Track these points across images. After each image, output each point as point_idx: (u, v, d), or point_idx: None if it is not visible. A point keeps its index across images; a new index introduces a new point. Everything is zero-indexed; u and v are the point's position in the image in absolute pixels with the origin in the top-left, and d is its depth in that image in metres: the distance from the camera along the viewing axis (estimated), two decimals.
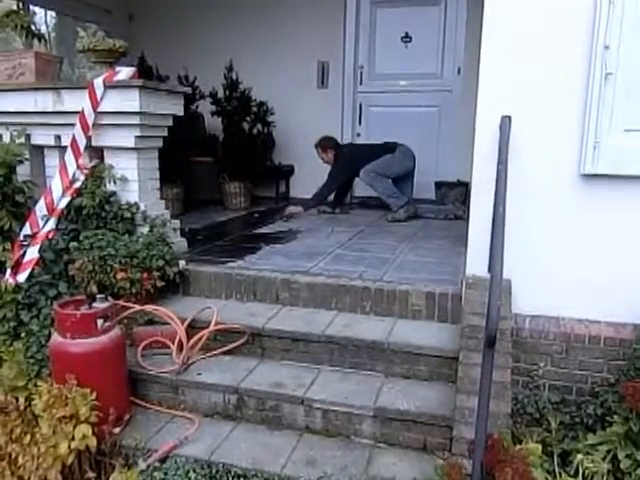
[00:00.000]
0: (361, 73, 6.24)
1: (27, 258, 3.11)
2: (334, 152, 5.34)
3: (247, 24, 6.19)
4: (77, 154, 3.27)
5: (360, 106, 6.29)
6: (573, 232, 2.70)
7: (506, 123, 2.55)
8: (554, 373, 2.73)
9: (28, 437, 2.24)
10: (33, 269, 3.07)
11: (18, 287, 3.02)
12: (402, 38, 6.00)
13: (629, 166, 2.53)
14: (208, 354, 2.88)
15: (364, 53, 6.20)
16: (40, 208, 3.22)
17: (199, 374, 2.73)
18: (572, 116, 2.61)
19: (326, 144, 5.38)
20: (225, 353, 2.89)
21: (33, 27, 3.62)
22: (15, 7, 4.89)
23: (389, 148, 5.20)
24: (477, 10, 2.87)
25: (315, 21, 6.01)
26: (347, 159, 5.26)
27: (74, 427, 2.20)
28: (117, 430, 2.42)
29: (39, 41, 3.71)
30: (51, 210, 3.21)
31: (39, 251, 3.11)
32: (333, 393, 2.55)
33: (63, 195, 3.25)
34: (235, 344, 2.88)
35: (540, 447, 2.22)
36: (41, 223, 3.21)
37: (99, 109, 3.18)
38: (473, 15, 5.18)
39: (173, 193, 4.94)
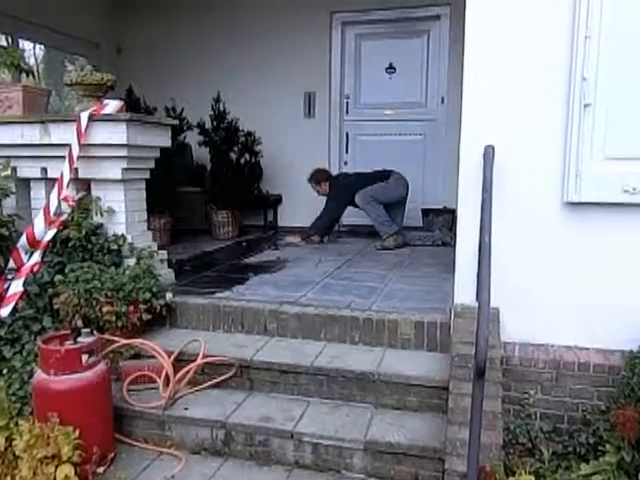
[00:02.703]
0: (347, 103, 6.35)
1: (11, 292, 3.06)
2: (328, 183, 5.38)
3: (235, 56, 6.30)
4: (61, 187, 3.25)
5: (347, 135, 6.39)
6: (559, 259, 2.72)
7: (489, 152, 2.59)
8: (545, 401, 2.71)
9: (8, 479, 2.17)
10: (17, 303, 3.02)
11: (1, 322, 2.96)
12: (386, 69, 6.13)
13: (611, 194, 2.57)
14: (195, 388, 2.83)
15: (350, 83, 6.32)
16: (23, 245, 3.18)
17: (186, 409, 2.68)
18: (554, 145, 2.66)
19: (319, 177, 5.43)
20: (213, 386, 2.84)
21: (22, 63, 3.63)
22: (4, 42, 4.94)
23: (383, 175, 5.26)
24: (459, 41, 2.93)
25: (301, 53, 6.13)
26: (343, 187, 5.30)
27: (56, 467, 2.15)
28: (101, 469, 2.36)
29: (27, 75, 3.72)
30: (34, 244, 3.18)
31: (23, 284, 3.07)
32: (323, 426, 2.51)
33: (49, 227, 3.22)
34: (223, 377, 2.84)
35: (533, 479, 2.19)
36: (25, 257, 3.17)
37: (86, 142, 3.19)
38: (455, 46, 5.28)
39: (160, 223, 4.93)
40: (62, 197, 3.24)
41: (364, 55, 6.24)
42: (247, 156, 5.82)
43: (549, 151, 2.67)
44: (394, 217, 5.23)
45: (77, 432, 2.26)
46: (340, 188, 5.31)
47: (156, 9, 6.41)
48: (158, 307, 3.12)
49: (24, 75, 3.82)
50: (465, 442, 2.14)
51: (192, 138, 5.71)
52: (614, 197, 2.58)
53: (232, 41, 6.31)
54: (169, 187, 5.15)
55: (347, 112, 6.36)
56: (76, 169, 3.27)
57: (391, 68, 6.12)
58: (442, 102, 5.98)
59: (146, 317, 3.05)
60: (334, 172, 5.84)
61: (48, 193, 3.36)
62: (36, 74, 5.35)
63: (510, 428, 2.60)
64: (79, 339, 2.53)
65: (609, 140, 2.58)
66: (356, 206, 5.22)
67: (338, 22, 6.18)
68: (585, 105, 2.56)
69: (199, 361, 2.82)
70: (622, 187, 2.56)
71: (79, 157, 3.20)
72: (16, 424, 2.43)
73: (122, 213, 3.36)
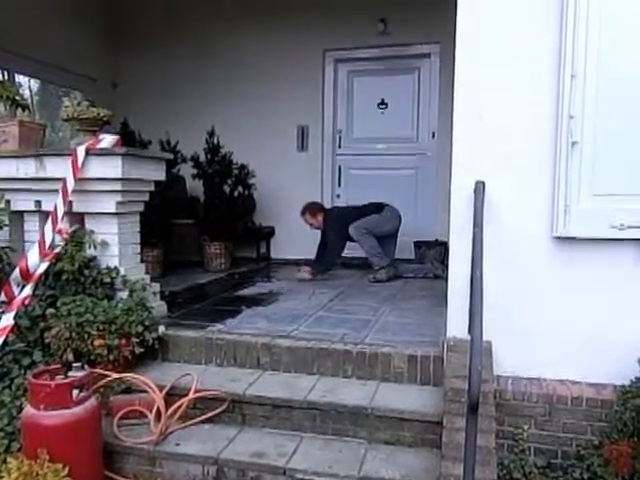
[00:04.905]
0: (340, 137, 6.47)
1: (1, 325, 3.02)
2: (322, 215, 5.42)
3: (229, 90, 6.41)
4: (56, 220, 3.26)
5: (339, 168, 6.48)
6: (549, 293, 2.76)
7: (480, 188, 2.64)
8: (539, 436, 2.70)
9: None
10: (7, 337, 2.98)
11: None
12: (378, 104, 6.28)
13: (598, 230, 2.63)
14: (187, 423, 2.80)
15: (342, 118, 6.45)
16: (15, 278, 3.17)
17: (177, 444, 2.64)
18: (543, 181, 2.73)
19: (314, 209, 5.44)
20: (205, 421, 2.81)
21: (18, 97, 3.68)
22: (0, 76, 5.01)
23: (376, 208, 5.31)
24: (449, 77, 3.02)
25: (295, 88, 6.27)
26: (338, 219, 5.31)
27: None
28: None
29: (23, 110, 3.77)
30: (27, 277, 3.17)
31: (14, 318, 3.04)
32: (316, 462, 2.48)
33: (42, 260, 3.21)
34: (215, 412, 2.81)
35: None
36: (16, 290, 3.16)
37: (82, 176, 3.21)
38: (445, 82, 5.42)
39: (153, 255, 4.93)
40: (56, 230, 3.25)
41: (356, 91, 6.39)
42: (240, 189, 5.88)
43: (538, 187, 2.74)
44: (386, 250, 5.25)
45: (66, 469, 2.22)
46: (336, 220, 5.33)
47: (152, 45, 6.54)
48: (150, 340, 3.10)
49: (20, 109, 3.86)
50: (459, 478, 2.12)
51: (186, 170, 5.76)
52: (602, 232, 2.64)
53: (226, 76, 6.43)
54: (162, 219, 5.18)
55: (339, 146, 6.47)
56: (70, 202, 3.29)
57: (383, 104, 6.26)
58: (433, 137, 6.10)
59: (138, 350, 3.03)
60: (326, 205, 5.88)
61: (42, 226, 3.36)
62: (31, 107, 5.42)
63: (504, 463, 2.58)
64: (70, 373, 2.51)
65: (596, 177, 2.65)
66: (350, 239, 5.24)
67: (331, 59, 6.34)
68: (573, 143, 2.63)
69: (191, 396, 2.79)
70: (610, 223, 2.62)
71: (74, 191, 3.22)
72: (4, 461, 2.38)
73: (115, 246, 3.36)
